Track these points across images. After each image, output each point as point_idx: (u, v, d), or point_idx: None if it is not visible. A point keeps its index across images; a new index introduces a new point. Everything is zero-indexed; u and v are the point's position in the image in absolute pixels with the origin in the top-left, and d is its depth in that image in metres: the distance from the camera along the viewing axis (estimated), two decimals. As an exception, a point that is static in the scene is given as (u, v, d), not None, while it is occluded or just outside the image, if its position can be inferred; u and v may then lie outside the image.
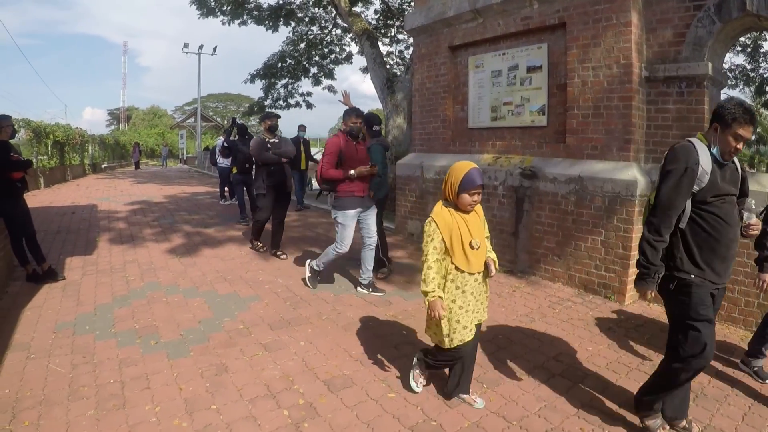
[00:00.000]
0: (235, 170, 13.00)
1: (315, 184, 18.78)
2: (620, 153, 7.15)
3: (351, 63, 25.81)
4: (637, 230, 6.88)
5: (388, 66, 19.37)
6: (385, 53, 20.78)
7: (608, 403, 4.38)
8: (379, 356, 5.18)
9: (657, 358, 5.18)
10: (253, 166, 11.97)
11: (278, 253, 9.10)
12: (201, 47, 46.99)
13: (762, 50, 18.44)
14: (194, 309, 6.41)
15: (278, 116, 9.56)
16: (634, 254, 6.69)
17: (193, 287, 7.28)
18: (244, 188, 12.97)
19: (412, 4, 19.17)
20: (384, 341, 5.56)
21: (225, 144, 14.15)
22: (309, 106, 25.45)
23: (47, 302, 6.58)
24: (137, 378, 4.60)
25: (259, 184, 9.13)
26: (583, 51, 7.58)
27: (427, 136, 10.51)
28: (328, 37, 24.70)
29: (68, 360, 4.96)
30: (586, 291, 7.38)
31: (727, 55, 17.90)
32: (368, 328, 5.94)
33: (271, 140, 9.11)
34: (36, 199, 16.90)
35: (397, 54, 24.40)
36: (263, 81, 24.75)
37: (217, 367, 4.85)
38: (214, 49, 47.70)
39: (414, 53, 11.45)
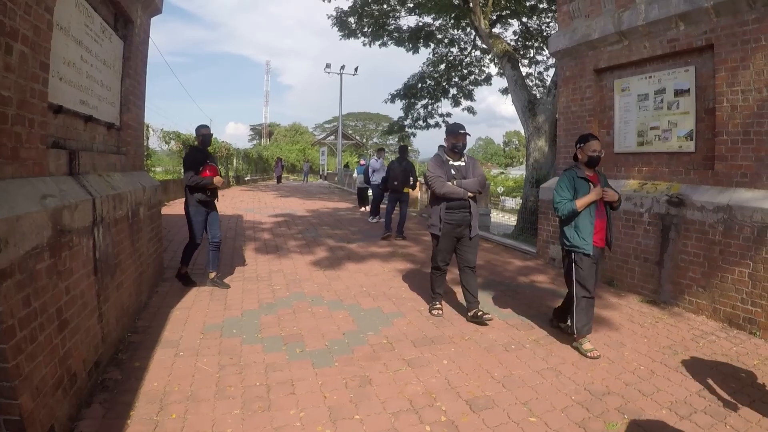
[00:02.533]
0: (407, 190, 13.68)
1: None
2: None
3: (490, 84, 25.84)
4: None
5: (528, 88, 19.31)
6: (524, 75, 20.74)
7: None
8: (520, 379, 5.27)
9: None
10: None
11: (480, 314, 6.88)
12: (343, 68, 48.16)
13: None
14: (338, 321, 6.75)
15: (467, 133, 6.96)
16: None
17: (337, 300, 7.65)
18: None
19: (553, 25, 19.09)
20: (526, 365, 5.65)
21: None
22: (448, 126, 25.78)
23: (195, 304, 7.15)
24: (283, 383, 4.92)
25: (433, 221, 7.01)
26: (732, 74, 7.32)
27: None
28: (468, 58, 24.92)
29: (215, 360, 5.38)
30: (731, 325, 7.05)
31: None
32: (510, 350, 6.04)
33: (455, 163, 6.99)
34: (183, 207, 17.78)
35: (536, 75, 24.32)
36: (403, 101, 25.25)
37: (361, 378, 5.10)
38: (356, 70, 48.81)
39: (558, 75, 11.41)
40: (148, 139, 18.54)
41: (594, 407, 4.75)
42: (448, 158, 7.02)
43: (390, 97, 25.14)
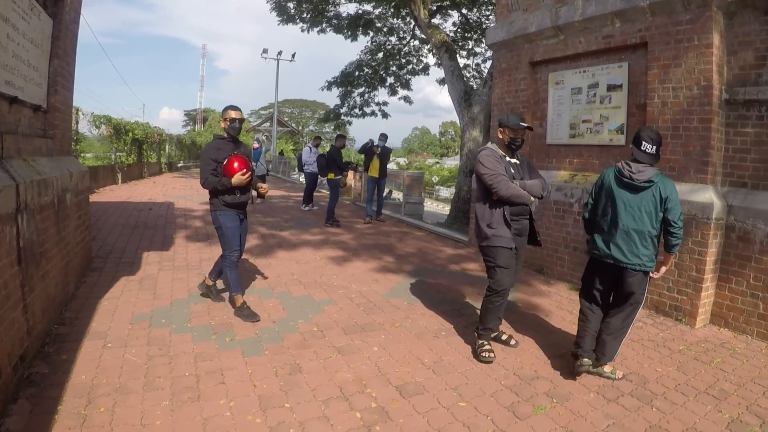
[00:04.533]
0: (332, 176, 13.77)
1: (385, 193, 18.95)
2: (697, 175, 7.11)
3: (428, 74, 26.11)
4: (711, 253, 6.88)
5: (465, 79, 19.45)
6: (462, 66, 20.88)
7: (675, 425, 4.42)
8: (450, 365, 5.32)
9: (725, 384, 5.28)
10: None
11: (506, 337, 6.10)
12: (280, 53, 47.46)
13: None
14: (269, 309, 6.65)
15: (529, 127, 5.71)
16: (708, 277, 6.84)
17: (268, 288, 7.55)
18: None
19: (492, 17, 19.27)
20: (456, 351, 5.71)
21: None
22: (384, 115, 25.75)
23: (124, 294, 6.89)
24: (212, 372, 4.82)
25: (497, 231, 5.55)
26: (664, 71, 7.56)
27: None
28: (406, 48, 24.93)
29: (144, 351, 5.22)
30: (657, 312, 7.36)
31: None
32: (440, 337, 6.08)
33: (511, 160, 5.76)
34: (113, 194, 17.61)
35: (473, 67, 24.48)
36: (340, 89, 25.11)
37: (291, 366, 5.05)
38: (293, 56, 48.27)
39: (494, 67, 11.49)
40: (77, 123, 17.84)
41: (523, 391, 4.85)
42: (503, 154, 5.72)
43: (327, 84, 24.98)
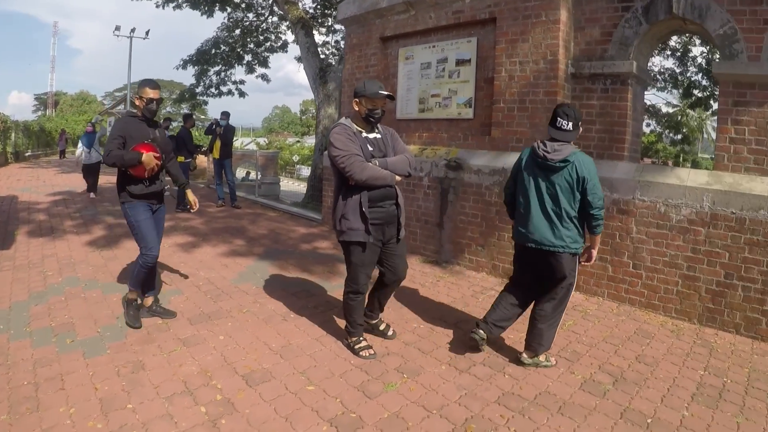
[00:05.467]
0: (182, 159, 12.89)
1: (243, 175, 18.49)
2: None
3: (286, 52, 25.45)
4: None
5: (323, 56, 19.23)
6: (321, 43, 20.65)
7: (528, 390, 4.47)
8: (299, 348, 5.14)
9: (578, 345, 5.45)
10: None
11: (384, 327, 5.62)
12: (133, 30, 45.31)
13: (690, 55, 19.11)
14: (113, 305, 6.15)
15: (389, 96, 4.98)
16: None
17: (113, 282, 7.02)
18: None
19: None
20: (305, 333, 5.53)
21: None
22: (242, 94, 24.97)
23: (-40, 300, 6.20)
24: (51, 379, 4.39)
25: (352, 224, 4.86)
26: (512, 46, 7.72)
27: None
28: (264, 24, 24.33)
29: (-20, 363, 4.69)
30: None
31: (658, 58, 18.47)
32: (289, 320, 5.88)
33: (370, 135, 5.03)
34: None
35: (333, 44, 24.23)
36: (196, 68, 24.21)
37: (134, 364, 4.69)
38: (147, 33, 46.37)
39: (345, 43, 11.39)
40: None
41: (373, 369, 4.74)
42: (360, 129, 4.98)
43: (182, 63, 23.99)
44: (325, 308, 6.25)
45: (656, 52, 17.82)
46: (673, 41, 17.71)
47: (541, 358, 5.00)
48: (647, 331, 6.01)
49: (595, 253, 4.98)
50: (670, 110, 28.43)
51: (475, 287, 7.23)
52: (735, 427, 4.18)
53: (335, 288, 6.94)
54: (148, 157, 5.30)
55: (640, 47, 7.21)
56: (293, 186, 39.30)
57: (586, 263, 5.08)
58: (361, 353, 5.02)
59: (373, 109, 4.86)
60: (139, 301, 5.74)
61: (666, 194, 6.43)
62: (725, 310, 6.26)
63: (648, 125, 23.48)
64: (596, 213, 4.67)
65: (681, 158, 42.68)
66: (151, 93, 5.43)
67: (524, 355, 5.00)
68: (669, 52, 18.85)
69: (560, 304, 4.96)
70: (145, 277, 5.71)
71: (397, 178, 4.93)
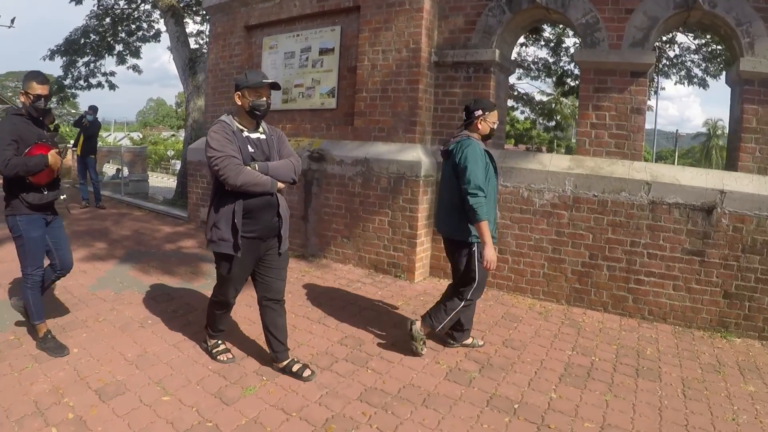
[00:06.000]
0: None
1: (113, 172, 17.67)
2: (406, 135, 7.30)
3: (159, 41, 24.32)
4: (423, 209, 7.10)
5: (197, 46, 18.57)
6: (195, 32, 19.91)
7: (391, 384, 4.34)
8: (155, 356, 4.74)
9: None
10: None
11: (298, 369, 4.56)
12: (-4, 18, 42.79)
13: (564, 45, 19.69)
14: None
15: (275, 84, 4.43)
16: (421, 233, 7.04)
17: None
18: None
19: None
20: (162, 339, 5.12)
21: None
22: (112, 86, 23.73)
23: None
24: None
25: (222, 234, 4.29)
26: (375, 34, 7.61)
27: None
28: (136, 12, 23.24)
29: None
30: (377, 271, 7.44)
31: (532, 48, 18.98)
32: (147, 326, 5.39)
33: (252, 135, 4.42)
34: None
35: (207, 33, 23.50)
36: (64, 58, 22.83)
37: (-17, 387, 4.20)
38: (12, 21, 43.84)
39: (210, 32, 10.94)
40: None
41: (231, 374, 4.46)
42: (241, 128, 4.37)
43: (49, 53, 22.52)
44: (185, 311, 5.84)
45: (530, 42, 18.39)
46: (548, 32, 18.14)
47: (422, 332, 4.90)
48: (515, 315, 6.04)
49: (486, 250, 4.56)
50: (544, 98, 29.38)
51: (341, 280, 7.06)
52: (604, 406, 4.24)
53: (198, 289, 6.55)
54: (54, 158, 4.60)
55: (504, 36, 7.29)
56: (168, 182, 38.03)
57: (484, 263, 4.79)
58: (218, 357, 4.68)
59: (257, 102, 4.28)
60: (48, 332, 4.95)
61: (529, 179, 6.53)
62: (592, 289, 6.49)
63: (522, 113, 24.25)
64: (467, 199, 4.53)
65: (555, 144, 44.58)
66: (38, 89, 4.60)
67: (416, 323, 4.93)
68: (543, 43, 19.29)
69: (454, 292, 4.90)
70: (39, 300, 4.95)
71: (280, 185, 4.33)
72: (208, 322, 4.80)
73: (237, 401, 4.02)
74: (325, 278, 7.11)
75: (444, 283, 6.99)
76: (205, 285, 5.77)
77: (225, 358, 4.67)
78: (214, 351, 4.73)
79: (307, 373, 4.44)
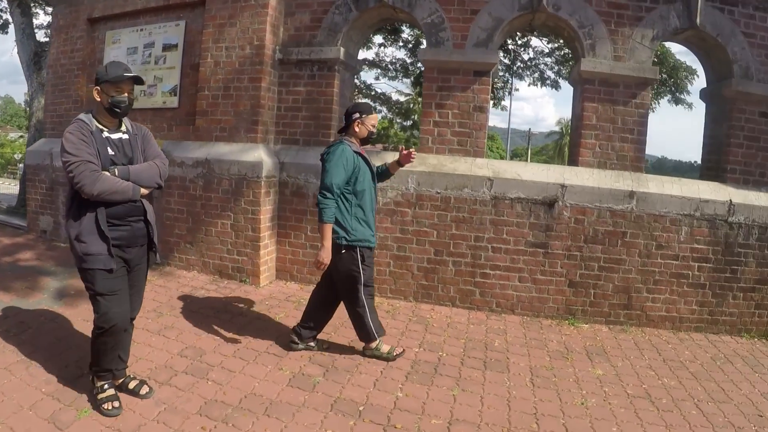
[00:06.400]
0: None
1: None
2: (248, 134, 7.17)
3: (6, 33, 22.73)
4: (266, 211, 7.00)
5: (47, 39, 17.49)
6: (46, 24, 18.79)
7: (233, 395, 4.19)
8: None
9: (288, 339, 5.22)
10: None
11: (135, 385, 4.20)
12: None
13: (422, 46, 19.93)
14: None
15: (136, 78, 3.93)
16: (264, 235, 6.96)
17: None
18: None
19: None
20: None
21: None
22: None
23: None
24: None
25: (90, 248, 3.80)
26: (219, 30, 7.40)
27: (59, 119, 9.37)
28: (-20, 1, 21.70)
29: None
30: (222, 277, 7.23)
31: (390, 49, 19.17)
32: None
33: (113, 135, 3.95)
34: None
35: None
36: None
37: None
38: None
39: (52, 25, 10.24)
40: None
41: (66, 396, 4.08)
42: (101, 127, 3.90)
43: None
44: (18, 330, 5.28)
45: (389, 43, 18.61)
46: (406, 33, 18.31)
47: (384, 348, 5.04)
48: (362, 315, 5.98)
49: (321, 251, 4.60)
50: (402, 98, 29.78)
51: (185, 288, 6.78)
52: (452, 401, 4.28)
53: (33, 306, 5.98)
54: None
55: (350, 34, 7.31)
56: (13, 188, 35.90)
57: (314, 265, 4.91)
58: (103, 406, 3.90)
59: (117, 98, 3.82)
60: None
61: (368, 178, 6.52)
62: (439, 285, 6.64)
63: (380, 112, 24.42)
64: (318, 199, 4.62)
65: (411, 142, 45.69)
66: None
67: (366, 346, 5.08)
68: (402, 44, 19.40)
69: (347, 297, 4.96)
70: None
71: (143, 190, 3.92)
72: (92, 360, 4.08)
73: (71, 425, 3.72)
74: (168, 286, 6.80)
75: (290, 286, 7.02)
76: (42, 301, 5.38)
77: (110, 407, 3.89)
78: (99, 397, 3.97)
79: (144, 390, 4.14)
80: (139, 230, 4.01)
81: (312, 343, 5.14)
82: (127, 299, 3.98)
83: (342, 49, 7.05)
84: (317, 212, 4.62)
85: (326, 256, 4.59)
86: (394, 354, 5.03)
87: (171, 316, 5.81)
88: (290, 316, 5.91)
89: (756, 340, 6.65)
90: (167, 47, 8.04)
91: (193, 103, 7.69)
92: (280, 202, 7.21)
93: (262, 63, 7.07)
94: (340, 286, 4.91)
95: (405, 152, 5.08)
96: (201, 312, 5.95)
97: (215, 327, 5.53)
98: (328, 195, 4.55)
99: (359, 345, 5.18)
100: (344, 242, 4.69)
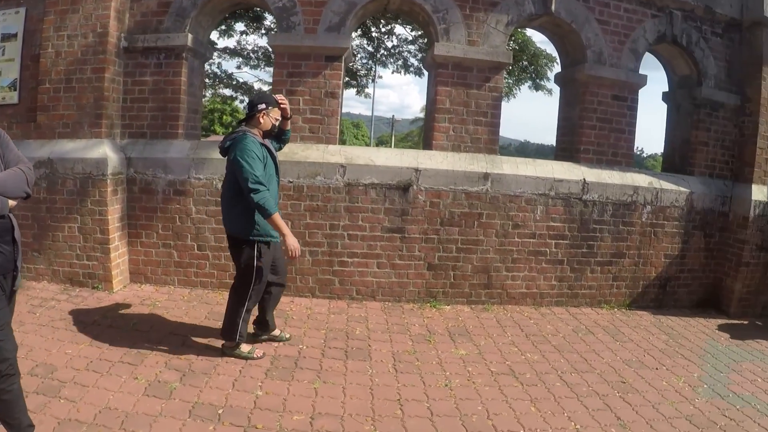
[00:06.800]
0: None
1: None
2: (92, 129, 6.75)
3: None
4: (114, 210, 6.67)
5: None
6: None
7: (87, 411, 3.97)
8: None
9: (144, 344, 5.12)
10: None
11: None
12: None
13: (271, 32, 19.66)
14: None
15: None
16: (115, 236, 6.66)
17: None
18: None
19: None
20: None
21: None
22: None
23: None
24: None
25: None
26: (61, 17, 6.92)
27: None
28: None
29: None
30: (73, 285, 6.81)
31: (252, 37, 18.66)
32: None
33: None
34: None
35: None
36: None
37: None
38: None
39: None
40: None
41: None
42: None
43: None
44: None
45: (251, 30, 18.23)
46: (269, 21, 17.81)
47: (244, 348, 5.00)
48: (220, 313, 5.74)
49: (287, 240, 4.61)
50: (264, 87, 29.70)
51: (34, 300, 6.33)
52: (313, 394, 4.30)
53: None
54: None
55: (199, 19, 7.08)
56: None
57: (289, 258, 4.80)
58: None
59: None
60: None
61: (220, 170, 6.31)
62: (297, 276, 6.62)
63: (242, 102, 24.22)
64: (251, 197, 4.50)
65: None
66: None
67: (223, 345, 5.03)
68: (264, 32, 18.90)
69: (234, 294, 4.92)
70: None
71: (11, 202, 3.22)
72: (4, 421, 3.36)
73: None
74: (18, 301, 6.38)
75: (145, 289, 6.76)
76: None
77: None
78: None
79: None
80: (10, 253, 3.30)
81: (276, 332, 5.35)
82: (10, 332, 3.39)
83: (190, 36, 6.82)
84: (258, 209, 4.54)
85: (293, 241, 4.61)
86: (255, 355, 4.96)
87: (19, 332, 5.37)
88: (143, 321, 5.70)
89: (615, 310, 6.99)
90: (6, 37, 7.44)
91: (34, 98, 7.15)
92: (129, 200, 6.87)
93: (106, 52, 6.69)
94: (237, 278, 4.92)
95: (278, 97, 5.06)
96: (51, 325, 5.61)
97: (67, 340, 5.24)
98: (261, 188, 4.51)
99: (218, 343, 5.11)
100: (247, 237, 4.72)
